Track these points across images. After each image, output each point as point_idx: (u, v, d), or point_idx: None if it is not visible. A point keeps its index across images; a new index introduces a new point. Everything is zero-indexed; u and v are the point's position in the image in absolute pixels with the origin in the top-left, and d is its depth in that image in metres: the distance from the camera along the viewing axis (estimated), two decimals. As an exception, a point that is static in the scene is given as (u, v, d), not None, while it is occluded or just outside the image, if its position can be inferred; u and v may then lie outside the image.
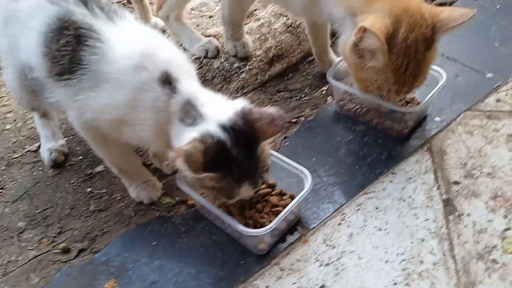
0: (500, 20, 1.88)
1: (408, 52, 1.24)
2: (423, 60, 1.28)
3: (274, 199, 1.24)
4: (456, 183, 1.32)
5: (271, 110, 1.07)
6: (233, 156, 1.04)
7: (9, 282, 1.23)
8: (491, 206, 1.25)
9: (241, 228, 1.12)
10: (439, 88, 1.41)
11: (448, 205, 1.26)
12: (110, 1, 1.26)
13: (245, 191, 1.10)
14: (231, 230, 1.23)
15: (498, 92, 1.57)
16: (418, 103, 1.50)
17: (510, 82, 1.60)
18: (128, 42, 1.10)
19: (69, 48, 1.11)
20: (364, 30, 1.18)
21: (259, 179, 1.11)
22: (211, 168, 1.01)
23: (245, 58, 1.81)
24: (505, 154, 1.37)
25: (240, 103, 1.10)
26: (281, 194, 1.28)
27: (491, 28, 1.85)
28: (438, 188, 1.31)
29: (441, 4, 2.04)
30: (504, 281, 1.10)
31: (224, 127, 1.04)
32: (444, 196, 1.28)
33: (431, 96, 1.40)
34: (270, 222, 1.14)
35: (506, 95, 1.55)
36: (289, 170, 1.26)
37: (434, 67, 1.44)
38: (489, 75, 1.64)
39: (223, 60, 1.82)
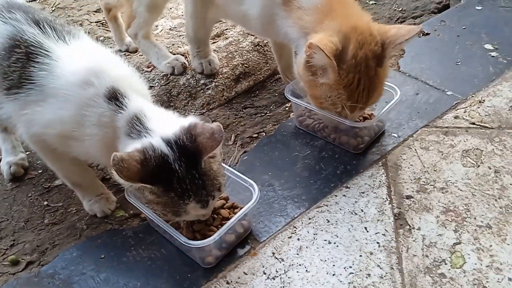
0: (464, 40, 1.92)
1: (359, 68, 1.26)
2: (375, 76, 1.30)
3: (224, 212, 1.23)
4: (409, 197, 1.32)
5: (211, 124, 1.08)
6: (175, 171, 1.03)
7: (-47, 295, 1.21)
8: (442, 220, 1.25)
9: (184, 240, 1.11)
10: (392, 104, 1.43)
11: (399, 219, 1.26)
12: (66, 22, 1.29)
13: (194, 210, 1.08)
14: (179, 243, 1.22)
15: (457, 109, 1.59)
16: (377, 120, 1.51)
17: (469, 100, 1.62)
18: (76, 59, 1.12)
19: (19, 64, 1.13)
20: (311, 46, 1.20)
21: (208, 197, 1.08)
22: (150, 181, 1.01)
23: (212, 75, 1.83)
24: (459, 169, 1.38)
25: (189, 120, 1.10)
26: (233, 207, 1.28)
27: (455, 48, 1.88)
28: (390, 202, 1.31)
29: (401, 23, 2.09)
30: (450, 295, 1.08)
31: (168, 142, 1.04)
32: (395, 210, 1.28)
33: (383, 112, 1.41)
34: (218, 235, 1.13)
35: (464, 112, 1.57)
36: (242, 184, 1.25)
37: (389, 84, 1.46)
38: (449, 92, 1.66)
39: (189, 77, 1.84)
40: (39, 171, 1.57)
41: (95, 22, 2.42)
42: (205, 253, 1.18)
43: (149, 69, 1.94)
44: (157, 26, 2.34)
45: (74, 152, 1.16)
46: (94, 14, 2.50)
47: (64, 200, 1.46)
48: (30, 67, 1.11)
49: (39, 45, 1.12)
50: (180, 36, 2.25)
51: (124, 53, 2.08)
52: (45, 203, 1.46)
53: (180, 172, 1.03)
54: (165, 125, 1.07)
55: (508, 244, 1.18)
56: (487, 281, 1.10)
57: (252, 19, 1.45)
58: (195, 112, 1.78)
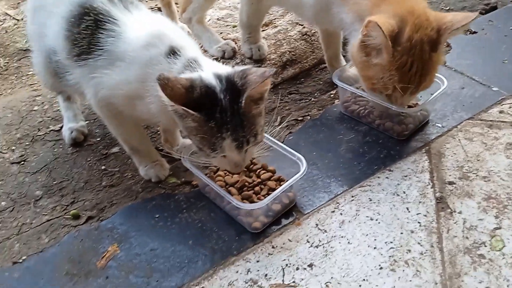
0: (511, 40, 1.93)
1: (413, 51, 1.29)
2: (429, 61, 1.33)
3: (271, 184, 1.31)
4: (451, 183, 1.36)
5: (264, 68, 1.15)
6: (219, 101, 1.09)
7: (21, 240, 1.33)
8: (483, 206, 1.29)
9: (236, 202, 1.19)
10: (439, 93, 1.47)
11: (441, 203, 1.30)
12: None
13: (230, 149, 1.13)
14: (229, 208, 1.30)
15: (502, 104, 1.61)
16: (422, 109, 1.56)
17: (515, 96, 1.64)
18: (140, 26, 1.22)
19: (88, 31, 1.23)
20: (370, 24, 1.25)
21: (244, 138, 1.13)
22: (193, 107, 1.07)
23: (260, 61, 1.91)
24: (502, 161, 1.41)
25: (247, 66, 1.17)
26: (279, 180, 1.35)
27: (502, 47, 1.90)
28: (433, 186, 1.35)
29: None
30: (490, 275, 1.12)
31: (218, 76, 1.12)
32: (437, 194, 1.33)
33: (429, 100, 1.45)
34: (266, 203, 1.20)
35: (510, 107, 1.60)
36: (289, 158, 1.32)
37: (437, 75, 1.49)
38: (494, 88, 1.68)
39: (238, 61, 1.92)
40: (98, 139, 1.68)
41: (149, 8, 2.54)
42: (252, 218, 1.25)
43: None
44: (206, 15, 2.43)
45: (138, 112, 1.24)
46: (147, 1, 2.63)
47: (120, 166, 1.57)
48: (98, 34, 1.21)
49: (107, 13, 1.23)
50: (227, 26, 2.34)
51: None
52: (103, 167, 1.57)
53: (223, 103, 1.09)
54: (220, 67, 1.17)
55: (549, 233, 1.20)
56: (525, 265, 1.14)
57: (307, 6, 1.51)
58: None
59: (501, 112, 1.58)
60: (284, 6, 1.77)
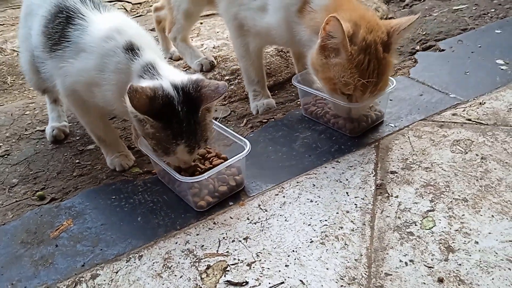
0: (477, 55, 2.02)
1: (369, 51, 1.39)
2: (383, 60, 1.42)
3: (217, 162, 1.39)
4: (393, 172, 1.41)
5: (218, 82, 1.27)
6: (177, 112, 1.22)
7: (-12, 216, 1.44)
8: (420, 192, 1.33)
9: (178, 176, 1.27)
10: (388, 90, 1.55)
11: (380, 189, 1.36)
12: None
13: (181, 153, 1.25)
14: (179, 190, 1.39)
15: (456, 108, 1.68)
16: (376, 110, 1.64)
17: (470, 102, 1.70)
18: (105, 22, 1.38)
19: (60, 26, 1.40)
20: (330, 19, 1.34)
21: (196, 144, 1.26)
22: (154, 116, 1.20)
23: (234, 73, 2.04)
24: (446, 154, 1.46)
25: (196, 75, 1.30)
26: (226, 159, 1.43)
27: (466, 61, 1.98)
28: (375, 175, 1.41)
29: (423, 44, 2.23)
30: (415, 250, 1.16)
31: (175, 86, 1.24)
32: (378, 182, 1.38)
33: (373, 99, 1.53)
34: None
35: (463, 110, 1.66)
36: (241, 147, 1.41)
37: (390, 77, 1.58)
38: (452, 95, 1.75)
39: (216, 73, 2.07)
40: (77, 138, 1.82)
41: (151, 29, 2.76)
42: (198, 198, 1.33)
43: (184, 69, 2.19)
44: (202, 44, 2.63)
45: (96, 99, 1.37)
46: (150, 31, 2.87)
47: (92, 160, 1.69)
48: (68, 28, 1.38)
49: (77, 10, 1.39)
50: (219, 52, 2.51)
51: (168, 60, 2.36)
52: (77, 161, 1.69)
53: (180, 114, 1.21)
54: (174, 75, 1.28)
55: (481, 215, 1.23)
56: (453, 242, 1.17)
57: (275, 29, 1.61)
58: (217, 103, 1.98)
59: (454, 114, 1.64)
60: (268, 42, 1.84)
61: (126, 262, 1.20)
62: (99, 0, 1.47)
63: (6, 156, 1.75)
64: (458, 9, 2.63)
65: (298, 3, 1.51)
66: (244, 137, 1.59)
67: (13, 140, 1.84)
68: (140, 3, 3.66)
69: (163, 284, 1.13)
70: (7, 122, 1.95)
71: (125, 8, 3.58)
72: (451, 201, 1.29)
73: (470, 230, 1.19)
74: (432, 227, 1.21)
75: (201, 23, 3.01)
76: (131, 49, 1.30)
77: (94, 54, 1.32)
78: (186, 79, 1.27)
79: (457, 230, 1.20)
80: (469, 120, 1.60)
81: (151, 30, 2.81)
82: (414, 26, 1.40)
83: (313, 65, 1.51)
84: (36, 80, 1.66)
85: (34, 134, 1.87)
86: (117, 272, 1.17)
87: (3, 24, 3.67)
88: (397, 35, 1.44)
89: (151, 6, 3.53)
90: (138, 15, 3.42)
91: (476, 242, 1.16)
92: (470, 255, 1.12)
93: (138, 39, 1.33)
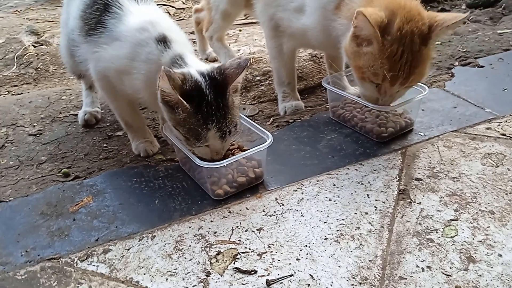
0: (518, 74, 1.95)
1: (403, 42, 1.34)
2: (418, 53, 1.37)
3: (237, 152, 1.39)
4: (418, 179, 1.37)
5: (239, 58, 1.28)
6: (205, 95, 1.23)
7: (14, 187, 1.48)
8: (445, 200, 1.28)
9: (198, 161, 1.28)
10: (420, 96, 1.51)
11: (403, 194, 1.31)
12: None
13: (213, 138, 1.26)
14: (199, 177, 1.39)
15: (491, 122, 1.62)
16: (406, 118, 1.60)
17: (506, 117, 1.64)
18: (141, 14, 1.41)
19: (97, 13, 1.44)
20: (358, 15, 1.32)
21: (226, 129, 1.27)
22: (186, 98, 1.21)
23: (265, 74, 2.04)
24: (476, 166, 1.40)
25: (218, 63, 1.32)
26: (252, 159, 1.42)
27: (505, 78, 1.92)
28: (399, 180, 1.37)
29: (462, 61, 2.17)
30: (434, 257, 1.11)
31: (201, 73, 1.26)
32: (401, 187, 1.34)
33: (405, 102, 1.50)
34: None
35: (498, 125, 1.60)
36: (260, 137, 1.41)
37: (420, 84, 1.54)
38: (487, 110, 1.69)
39: (247, 73, 2.08)
40: (108, 124, 1.86)
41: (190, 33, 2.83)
42: (217, 186, 1.33)
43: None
44: (239, 50, 2.66)
45: (125, 86, 1.41)
46: (190, 34, 2.94)
47: (119, 145, 1.72)
48: (105, 16, 1.42)
49: (116, 0, 1.43)
50: (255, 59, 2.52)
51: (204, 60, 2.40)
52: (104, 145, 1.73)
53: (209, 98, 1.23)
54: (200, 64, 1.30)
55: (508, 229, 1.17)
56: (475, 253, 1.11)
57: (311, 30, 1.60)
58: (246, 102, 1.99)
59: (488, 128, 1.58)
60: (299, 42, 1.79)
61: (139, 241, 1.20)
62: None
63: (38, 135, 1.81)
64: (503, 33, 2.56)
65: (335, 1, 1.49)
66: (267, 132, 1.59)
67: (47, 122, 1.90)
68: (183, 8, 3.76)
69: (172, 265, 1.12)
70: (44, 104, 2.02)
71: (168, 12, 3.68)
72: (476, 212, 1.23)
73: (495, 242, 1.14)
74: (454, 236, 1.16)
75: (240, 30, 3.05)
76: (163, 41, 1.32)
77: (128, 43, 1.36)
78: (210, 67, 1.29)
79: (481, 241, 1.14)
80: (503, 135, 1.54)
81: (190, 33, 2.88)
82: (459, 25, 1.33)
83: (347, 52, 1.46)
84: (72, 64, 1.72)
85: (67, 118, 1.92)
86: (128, 249, 1.18)
87: (53, 21, 3.84)
88: (439, 30, 1.37)
89: (194, 11, 3.63)
90: (180, 19, 3.50)
91: (500, 255, 1.10)
92: (492, 267, 1.07)
93: (170, 32, 1.36)
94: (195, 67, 1.29)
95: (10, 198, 1.42)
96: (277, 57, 1.82)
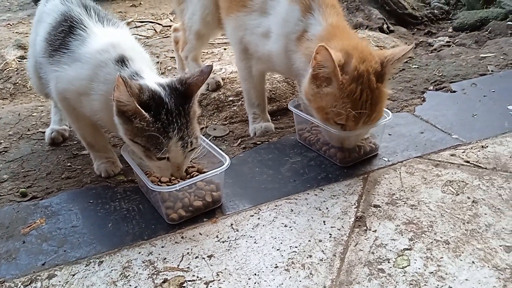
0: (489, 100, 1.95)
1: (361, 80, 1.37)
2: (377, 90, 1.40)
3: (200, 184, 1.36)
4: (376, 206, 1.35)
5: (200, 67, 1.28)
6: (166, 104, 1.22)
7: (-30, 207, 1.46)
8: (401, 229, 1.26)
9: (150, 184, 1.26)
10: (383, 122, 1.50)
11: (359, 221, 1.29)
12: (112, 12, 1.61)
13: (175, 147, 1.23)
14: (154, 200, 1.37)
15: (456, 149, 1.61)
16: (371, 142, 1.59)
17: (472, 144, 1.63)
18: (104, 36, 1.41)
19: (62, 34, 1.44)
20: (319, 49, 1.33)
21: (188, 140, 1.25)
22: (144, 107, 1.19)
23: (238, 95, 2.04)
24: (436, 194, 1.39)
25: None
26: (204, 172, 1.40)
27: (476, 104, 1.92)
28: (357, 207, 1.35)
29: (437, 85, 2.18)
30: (383, 288, 1.09)
31: (160, 84, 1.27)
32: (359, 214, 1.32)
33: (367, 129, 1.49)
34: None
35: (463, 152, 1.59)
36: (216, 157, 1.39)
37: (385, 109, 1.54)
38: (454, 136, 1.69)
39: (220, 93, 2.08)
40: (74, 142, 1.85)
41: (170, 57, 2.84)
42: (172, 210, 1.31)
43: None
44: (221, 68, 2.66)
45: (84, 108, 1.40)
46: (171, 52, 2.95)
47: (84, 165, 1.70)
48: (69, 37, 1.42)
49: (80, 22, 1.44)
50: (229, 79, 2.52)
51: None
52: (68, 164, 1.71)
53: (169, 106, 1.22)
54: (159, 78, 1.31)
55: (461, 260, 1.15)
56: (425, 284, 1.09)
57: (275, 56, 1.62)
58: (217, 122, 1.98)
59: (452, 155, 1.57)
60: (269, 68, 1.83)
61: (85, 266, 1.18)
62: (105, 13, 1.51)
63: (3, 152, 1.79)
64: (485, 56, 2.57)
65: (297, 32, 1.52)
66: (234, 157, 1.58)
67: (14, 139, 1.88)
68: (169, 26, 3.77)
69: (115, 292, 1.09)
70: (14, 121, 2.00)
71: (155, 29, 3.69)
72: (431, 242, 1.21)
73: (446, 274, 1.11)
74: (405, 266, 1.14)
75: (225, 49, 3.05)
76: (122, 61, 1.32)
77: (88, 64, 1.35)
78: (170, 79, 1.30)
79: (432, 272, 1.12)
80: (467, 162, 1.53)
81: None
82: (407, 57, 1.36)
83: (306, 94, 1.49)
84: (38, 84, 1.71)
85: (35, 135, 1.91)
86: (74, 275, 1.15)
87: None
88: (390, 65, 1.42)
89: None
90: (166, 36, 3.51)
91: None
92: (440, 300, 1.04)
93: (130, 52, 1.36)
94: (153, 80, 1.28)
95: (-38, 219, 1.39)
96: (247, 79, 1.83)
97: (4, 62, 2.88)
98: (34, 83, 1.77)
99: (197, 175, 1.40)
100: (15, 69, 2.79)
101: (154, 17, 4.02)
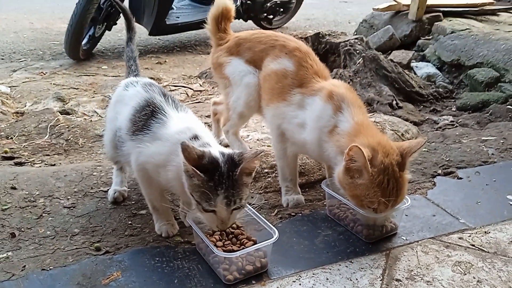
0: (491, 188, 2.25)
1: (387, 172, 1.68)
2: (400, 178, 1.71)
3: (248, 244, 1.65)
4: (398, 280, 1.62)
5: (256, 149, 1.60)
6: (220, 168, 1.53)
7: (52, 257, 1.73)
8: (419, 301, 1.53)
9: (215, 250, 1.54)
10: (404, 207, 1.80)
11: (384, 292, 1.56)
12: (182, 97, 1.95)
13: (220, 205, 1.52)
14: (213, 262, 1.64)
15: (463, 233, 1.89)
16: (391, 222, 1.88)
17: (477, 229, 1.92)
18: (180, 120, 1.75)
19: (145, 117, 1.77)
20: (352, 148, 1.66)
21: (233, 198, 1.53)
22: (200, 169, 1.50)
23: (272, 167, 2.35)
24: (447, 273, 1.66)
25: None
26: (256, 242, 1.69)
27: (480, 192, 2.22)
28: (382, 280, 1.62)
29: (445, 169, 2.49)
30: None
31: (222, 152, 1.58)
32: (383, 286, 1.59)
33: (394, 211, 1.79)
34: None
35: (469, 236, 1.87)
36: (265, 228, 1.68)
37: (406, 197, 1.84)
38: (462, 220, 1.98)
39: (257, 166, 2.38)
40: (132, 202, 2.13)
41: (205, 123, 3.19)
42: (228, 272, 1.58)
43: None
44: (248, 135, 3.01)
45: (160, 177, 1.70)
46: (204, 117, 3.30)
47: (143, 223, 1.98)
48: (150, 120, 1.75)
49: (161, 108, 1.77)
50: (262, 145, 2.87)
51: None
52: (129, 222, 1.99)
53: (222, 169, 1.52)
54: (222, 147, 1.63)
55: (469, 332, 1.41)
56: None
57: (309, 144, 1.96)
58: (254, 191, 2.28)
59: (460, 238, 1.86)
60: (299, 149, 2.13)
61: (161, 316, 1.43)
62: (178, 101, 1.85)
63: (72, 208, 2.07)
64: (486, 139, 2.90)
65: (329, 126, 1.85)
66: (274, 226, 1.87)
67: (80, 196, 2.17)
68: (200, 91, 4.16)
69: None
70: (77, 179, 2.30)
71: (187, 93, 4.07)
72: (444, 315, 1.47)
73: None
74: (423, 334, 1.40)
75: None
76: (195, 138, 1.65)
77: (168, 141, 1.67)
78: (231, 150, 1.63)
79: None
80: (473, 245, 1.81)
81: (206, 116, 3.26)
82: (422, 149, 1.68)
83: (341, 183, 1.79)
84: (113, 154, 2.03)
85: (97, 193, 2.20)
86: (152, 323, 1.41)
87: (78, 89, 4.24)
88: (409, 156, 1.73)
89: (209, 94, 4.03)
90: (197, 101, 3.89)
91: None
92: None
93: (200, 132, 1.70)
94: (217, 149, 1.61)
95: (50, 267, 1.66)
96: (282, 158, 2.15)
97: (56, 118, 3.20)
98: (108, 152, 2.08)
99: (246, 242, 1.69)
100: (66, 126, 3.11)
101: (186, 81, 4.42)
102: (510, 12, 5.16)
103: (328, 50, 4.17)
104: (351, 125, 1.82)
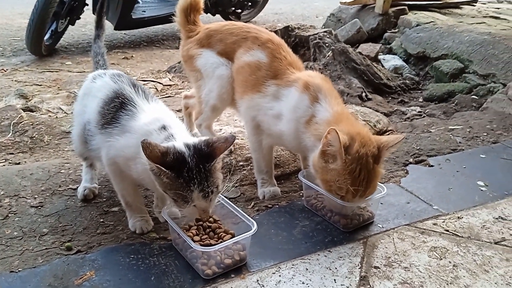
0: (461, 175, 2.30)
1: (361, 161, 1.68)
2: (373, 170, 1.72)
3: (226, 237, 1.62)
4: (376, 267, 1.63)
5: (226, 135, 1.55)
6: (187, 164, 1.47)
7: (21, 258, 1.65)
8: (397, 287, 1.54)
9: (193, 245, 1.50)
10: (379, 196, 1.81)
11: (363, 280, 1.56)
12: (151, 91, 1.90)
13: (197, 198, 1.48)
14: (190, 257, 1.60)
15: (437, 219, 1.92)
16: (368, 211, 1.89)
17: (450, 215, 1.95)
18: (150, 111, 1.69)
19: (114, 109, 1.71)
20: (331, 131, 1.65)
21: (209, 190, 1.49)
22: (166, 166, 1.44)
23: (247, 160, 2.33)
24: (424, 258, 1.68)
25: (206, 137, 1.59)
26: (234, 235, 1.66)
27: (451, 178, 2.27)
28: (360, 268, 1.62)
29: (416, 157, 2.52)
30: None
31: (187, 145, 1.52)
32: (362, 274, 1.59)
33: (369, 199, 1.80)
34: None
35: (443, 222, 1.90)
36: (243, 221, 1.65)
37: (380, 184, 1.86)
38: (435, 207, 2.01)
39: (232, 158, 2.36)
40: (104, 199, 2.06)
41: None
42: (206, 267, 1.54)
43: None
44: (221, 129, 2.97)
45: (131, 171, 1.64)
46: (177, 112, 3.23)
47: (115, 221, 1.92)
48: (120, 112, 1.69)
49: (131, 99, 1.71)
50: (238, 145, 2.82)
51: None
52: (101, 220, 1.92)
53: (190, 164, 1.46)
54: (189, 139, 1.56)
55: (447, 315, 1.43)
56: (420, 334, 1.36)
57: (286, 135, 1.94)
58: (229, 185, 2.25)
59: (434, 224, 1.89)
60: (275, 141, 2.12)
61: (138, 314, 1.39)
62: (149, 92, 1.80)
63: (40, 207, 1.98)
64: (453, 129, 2.97)
65: (306, 116, 1.84)
66: (251, 218, 1.84)
67: (47, 194, 2.08)
68: (170, 85, 4.08)
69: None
70: (44, 177, 2.21)
71: (156, 88, 3.99)
72: (423, 299, 1.49)
73: (437, 326, 1.39)
74: (404, 319, 1.41)
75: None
76: (163, 128, 1.60)
77: (137, 134, 1.61)
78: (198, 139, 1.56)
79: (425, 324, 1.39)
80: (447, 231, 1.84)
81: (177, 110, 3.19)
82: (400, 144, 1.69)
83: (314, 166, 1.79)
84: (81, 149, 1.95)
85: (66, 191, 2.11)
86: (129, 322, 1.36)
87: (41, 85, 4.09)
88: (386, 150, 1.74)
89: (179, 89, 3.96)
90: (167, 96, 3.81)
91: (440, 337, 1.35)
92: None
93: (169, 122, 1.64)
94: (183, 140, 1.54)
95: (19, 269, 1.58)
96: (257, 150, 2.12)
97: (19, 115, 3.07)
98: (76, 148, 2.00)
99: (224, 236, 1.66)
100: (30, 123, 2.99)
101: (154, 76, 4.33)
102: (473, 5, 5.31)
103: (297, 44, 4.17)
104: (331, 114, 1.82)
